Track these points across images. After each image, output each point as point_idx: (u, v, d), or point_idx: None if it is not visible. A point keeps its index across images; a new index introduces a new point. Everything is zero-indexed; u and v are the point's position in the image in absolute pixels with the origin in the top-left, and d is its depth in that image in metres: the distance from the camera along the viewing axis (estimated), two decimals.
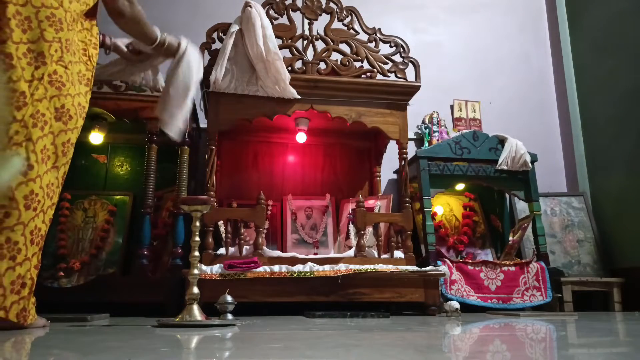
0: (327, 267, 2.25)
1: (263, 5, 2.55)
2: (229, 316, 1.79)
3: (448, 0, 3.79)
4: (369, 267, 2.26)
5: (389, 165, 3.20)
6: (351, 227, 2.70)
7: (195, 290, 1.60)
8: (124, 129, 2.76)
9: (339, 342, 1.10)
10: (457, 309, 2.22)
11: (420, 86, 2.63)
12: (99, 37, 1.79)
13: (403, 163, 2.58)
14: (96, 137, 2.55)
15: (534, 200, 2.84)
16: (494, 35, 3.76)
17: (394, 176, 3.30)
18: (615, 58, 3.24)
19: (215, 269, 2.16)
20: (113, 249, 2.63)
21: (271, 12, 2.59)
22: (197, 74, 2.00)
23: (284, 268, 2.21)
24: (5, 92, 1.36)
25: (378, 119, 2.60)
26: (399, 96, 2.63)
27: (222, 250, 2.32)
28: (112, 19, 1.83)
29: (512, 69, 3.72)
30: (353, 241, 2.58)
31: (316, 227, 2.89)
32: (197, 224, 1.65)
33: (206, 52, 2.49)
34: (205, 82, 2.46)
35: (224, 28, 2.49)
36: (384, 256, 2.42)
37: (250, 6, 2.41)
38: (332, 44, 2.63)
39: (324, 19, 2.68)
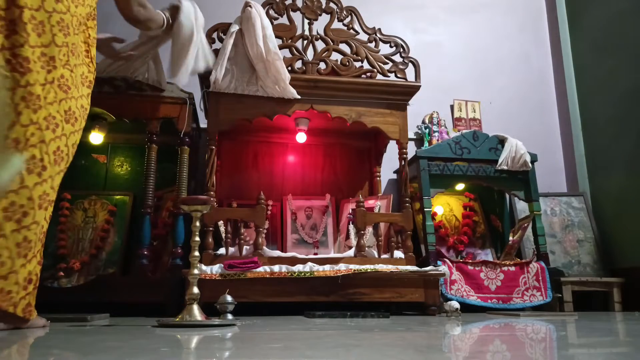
0: (327, 267, 2.25)
1: (263, 5, 2.55)
2: (229, 316, 1.79)
3: (448, 0, 3.79)
4: (369, 267, 2.26)
5: (389, 165, 3.20)
6: (351, 227, 2.70)
7: (195, 290, 1.60)
8: (124, 129, 2.76)
9: (339, 342, 1.10)
10: (457, 309, 2.22)
11: (420, 86, 2.63)
12: None
13: (403, 163, 2.58)
14: (96, 137, 2.55)
15: (534, 200, 2.84)
16: (494, 35, 3.76)
17: (394, 176, 3.30)
18: (615, 58, 3.24)
19: (215, 269, 2.16)
20: (113, 249, 2.63)
21: (271, 12, 2.59)
22: (197, 20, 2.24)
23: (284, 268, 2.21)
24: (24, 95, 1.40)
25: (378, 119, 2.60)
26: (399, 96, 2.63)
27: (222, 250, 2.32)
28: (129, 23, 2.02)
29: (512, 69, 3.72)
30: (353, 241, 2.58)
31: (316, 227, 2.89)
32: (197, 224, 1.65)
33: None
34: (205, 82, 2.46)
35: (224, 28, 2.49)
36: (384, 256, 2.42)
37: (250, 6, 2.41)
38: (332, 44, 2.63)
39: (324, 19, 2.68)
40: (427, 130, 3.35)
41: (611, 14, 3.30)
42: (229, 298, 1.82)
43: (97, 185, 2.88)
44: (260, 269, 2.19)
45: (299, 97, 2.49)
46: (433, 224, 2.72)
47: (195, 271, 1.62)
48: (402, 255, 2.43)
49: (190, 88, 2.57)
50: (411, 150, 2.80)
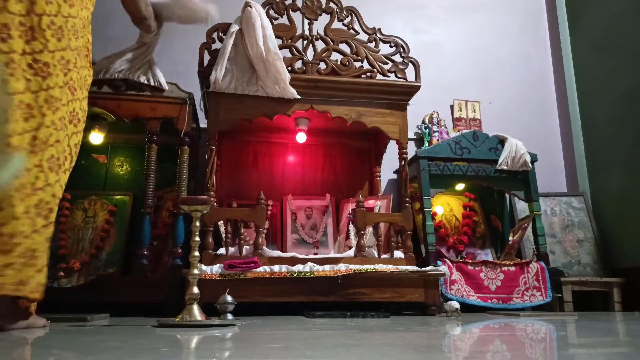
0: (327, 267, 2.25)
1: (263, 5, 2.55)
2: (229, 316, 1.78)
3: (448, 0, 3.79)
4: (369, 267, 2.26)
5: (389, 165, 3.20)
6: (351, 227, 2.70)
7: (195, 290, 1.60)
8: (124, 129, 2.76)
9: (339, 342, 1.10)
10: (457, 309, 2.22)
11: (420, 86, 2.63)
12: None
13: (403, 163, 2.58)
14: (96, 137, 2.55)
15: (534, 200, 2.84)
16: (494, 35, 3.76)
17: (394, 176, 3.30)
18: (615, 58, 3.24)
19: (215, 269, 2.16)
20: (113, 249, 2.63)
21: (271, 12, 2.59)
22: None
23: (284, 268, 2.21)
24: (46, 98, 1.46)
25: (378, 119, 2.60)
26: (399, 96, 2.63)
27: (222, 250, 2.32)
28: (135, 24, 2.15)
29: (512, 69, 3.72)
30: (353, 241, 2.58)
31: (316, 227, 2.89)
32: (197, 224, 1.65)
33: (206, 52, 2.50)
34: (205, 82, 2.46)
35: (224, 28, 2.49)
36: (384, 256, 2.42)
37: (250, 6, 2.41)
38: (332, 44, 2.63)
39: (324, 19, 2.68)
40: (427, 130, 3.35)
41: (611, 14, 3.30)
42: (229, 298, 1.82)
43: (97, 185, 2.88)
44: (260, 269, 2.19)
45: (299, 97, 2.49)
46: (433, 224, 2.72)
47: (195, 271, 1.62)
48: (402, 255, 2.43)
49: (190, 88, 2.58)
50: (411, 150, 2.80)
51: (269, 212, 2.75)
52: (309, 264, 2.26)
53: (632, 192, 3.02)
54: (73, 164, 1.61)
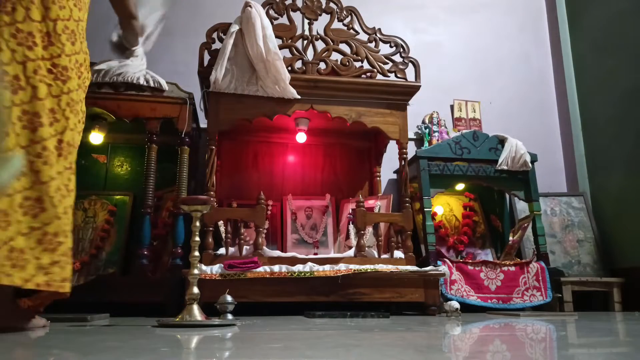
0: (327, 267, 2.25)
1: (263, 5, 2.55)
2: (229, 316, 1.79)
3: (448, 0, 3.79)
4: (369, 267, 2.26)
5: (389, 165, 3.20)
6: (351, 227, 2.70)
7: (195, 290, 1.60)
8: (124, 129, 2.76)
9: (339, 342, 1.10)
10: (457, 309, 2.22)
11: (420, 86, 2.63)
12: None
13: (403, 163, 2.58)
14: (96, 137, 2.55)
15: (534, 200, 2.84)
16: (494, 35, 3.76)
17: (394, 176, 3.30)
18: (615, 58, 3.24)
19: (215, 269, 2.16)
20: (113, 249, 2.63)
21: (271, 12, 2.59)
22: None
23: (284, 268, 2.21)
24: (68, 101, 1.51)
25: (378, 119, 2.60)
26: (399, 96, 2.63)
27: (222, 250, 2.32)
28: (123, 25, 2.17)
29: (512, 69, 3.72)
30: (353, 241, 2.58)
31: (316, 227, 2.89)
32: (197, 224, 1.65)
33: (206, 52, 2.50)
34: (205, 82, 2.46)
35: (224, 28, 2.49)
36: (384, 256, 2.42)
37: (250, 6, 2.41)
38: (332, 44, 2.63)
39: (324, 19, 2.68)
40: (427, 130, 3.35)
41: (611, 14, 3.30)
42: (229, 298, 1.82)
43: (97, 185, 2.88)
44: (260, 269, 2.19)
45: (299, 97, 2.49)
46: (433, 224, 2.72)
47: (195, 271, 1.62)
48: (402, 255, 2.43)
49: (190, 88, 2.58)
50: (411, 150, 2.80)
51: (269, 212, 2.75)
52: (309, 264, 2.26)
53: (632, 192, 3.02)
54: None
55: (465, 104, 3.55)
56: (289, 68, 2.51)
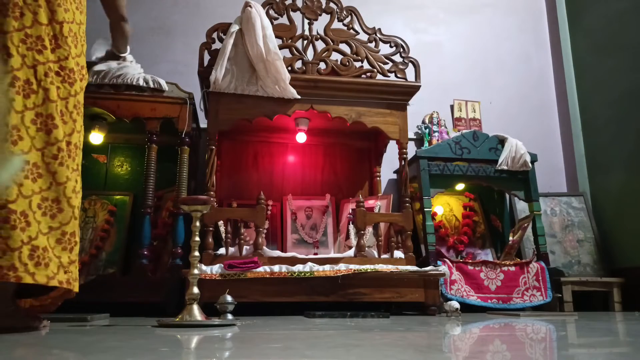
0: (327, 267, 2.25)
1: (263, 5, 2.55)
2: (229, 316, 1.78)
3: (448, 0, 3.79)
4: (369, 267, 2.26)
5: (389, 165, 3.20)
6: (351, 227, 2.70)
7: (195, 290, 1.60)
8: (124, 129, 2.76)
9: (339, 342, 1.10)
10: (457, 309, 2.22)
11: (420, 86, 2.63)
12: None
13: (403, 163, 2.58)
14: (96, 137, 2.55)
15: (534, 200, 2.84)
16: (494, 35, 3.76)
17: (394, 176, 3.30)
18: (615, 58, 3.24)
19: (215, 269, 2.16)
20: (113, 249, 2.63)
21: (271, 12, 2.59)
22: None
23: (284, 268, 2.21)
24: (75, 104, 1.53)
25: (378, 119, 2.60)
26: (399, 96, 2.63)
27: (222, 250, 2.32)
28: (113, 27, 2.18)
29: (512, 69, 3.72)
30: (353, 241, 2.58)
31: (316, 227, 2.89)
32: (197, 224, 1.65)
33: (206, 52, 2.50)
34: (205, 82, 2.46)
35: (224, 28, 2.49)
36: (384, 256, 2.42)
37: (250, 6, 2.41)
38: (332, 44, 2.63)
39: (324, 19, 2.68)
40: (427, 130, 3.35)
41: (611, 14, 3.30)
42: (229, 298, 1.82)
43: (97, 185, 2.87)
44: (260, 269, 2.19)
45: (299, 97, 2.49)
46: (433, 224, 2.72)
47: (195, 271, 1.62)
48: (402, 255, 2.43)
49: (190, 88, 2.58)
50: (411, 150, 2.80)
51: (269, 212, 2.75)
52: (309, 264, 2.26)
53: (632, 192, 3.02)
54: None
55: (465, 104, 3.55)
56: (289, 68, 2.51)
